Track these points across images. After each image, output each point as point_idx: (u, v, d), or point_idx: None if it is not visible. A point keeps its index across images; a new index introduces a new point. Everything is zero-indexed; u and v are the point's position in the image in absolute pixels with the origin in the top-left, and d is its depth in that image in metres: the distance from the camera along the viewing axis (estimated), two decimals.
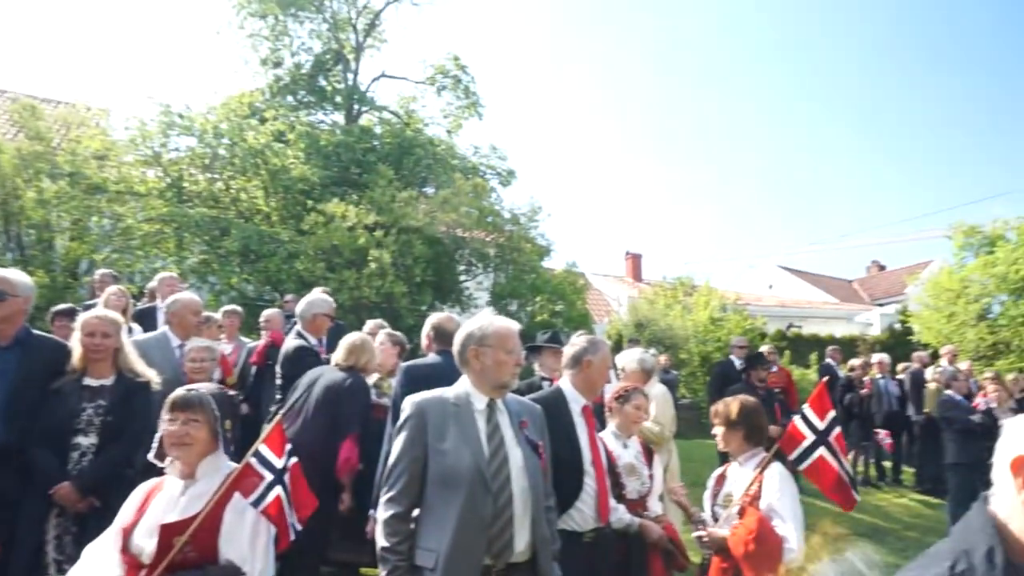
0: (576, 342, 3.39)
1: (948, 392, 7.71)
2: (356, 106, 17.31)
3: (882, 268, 33.97)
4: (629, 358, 5.00)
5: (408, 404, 2.57)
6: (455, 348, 2.65)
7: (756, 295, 26.00)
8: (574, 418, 3.27)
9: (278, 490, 2.39)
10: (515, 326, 2.66)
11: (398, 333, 5.31)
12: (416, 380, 3.55)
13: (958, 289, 17.18)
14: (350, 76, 17.38)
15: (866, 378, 9.84)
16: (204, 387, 2.53)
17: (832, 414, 3.29)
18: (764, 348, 8.95)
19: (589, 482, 3.18)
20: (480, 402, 2.57)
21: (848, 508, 3.33)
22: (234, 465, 2.39)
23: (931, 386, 9.11)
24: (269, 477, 2.38)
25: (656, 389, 4.90)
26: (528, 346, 5.30)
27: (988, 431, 7.52)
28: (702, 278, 18.28)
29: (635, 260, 26.98)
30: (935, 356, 13.34)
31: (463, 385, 2.62)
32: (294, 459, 2.57)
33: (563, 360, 3.42)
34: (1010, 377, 9.69)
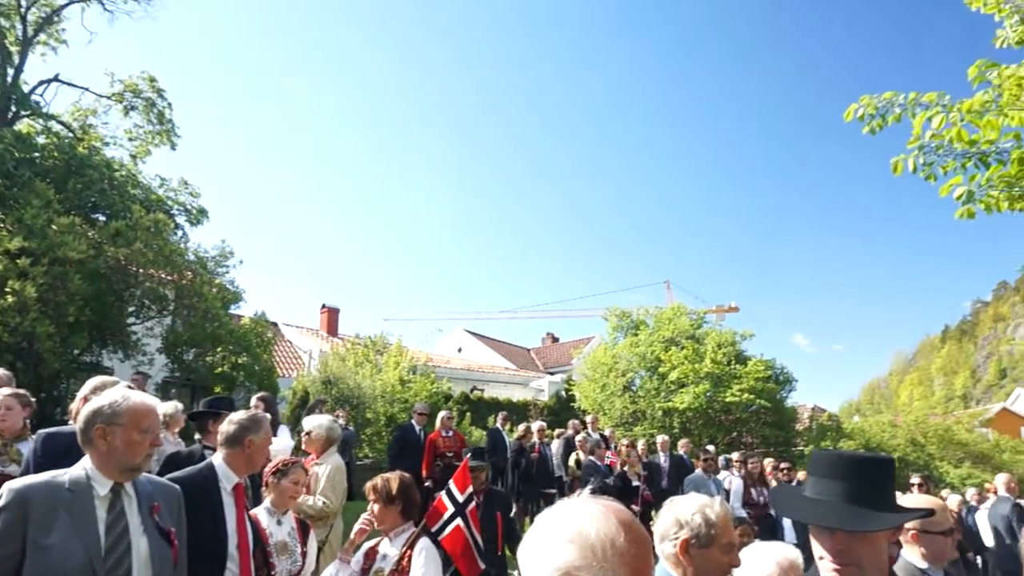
0: (235, 419, 3.20)
1: (590, 457, 8.86)
2: (14, 108, 14.70)
3: (556, 340, 38.23)
4: (316, 424, 4.89)
5: (6, 491, 2.17)
6: (79, 425, 2.34)
7: (446, 357, 27.33)
8: (224, 498, 3.06)
9: None
10: (153, 402, 2.44)
11: (23, 391, 4.47)
12: (57, 451, 3.05)
13: (610, 364, 20.07)
14: (10, 72, 14.77)
15: (536, 442, 10.77)
16: None
17: (471, 489, 3.57)
18: (442, 413, 9.37)
19: (232, 567, 2.98)
20: (103, 487, 2.28)
21: (472, 575, 3.60)
22: None
23: (577, 451, 10.33)
24: None
25: (332, 459, 4.82)
26: (190, 413, 4.90)
27: (620, 491, 8.80)
28: (399, 336, 18.70)
29: (331, 314, 26.58)
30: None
31: (84, 467, 2.31)
32: None
33: (220, 438, 3.20)
34: (640, 444, 11.47)
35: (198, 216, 16.18)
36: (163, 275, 12.92)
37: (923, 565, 2.60)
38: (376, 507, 3.38)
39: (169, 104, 16.63)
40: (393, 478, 3.44)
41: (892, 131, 4.58)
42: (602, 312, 23.24)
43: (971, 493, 11.49)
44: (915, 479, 8.54)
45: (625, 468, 9.28)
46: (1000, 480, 8.23)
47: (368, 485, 3.43)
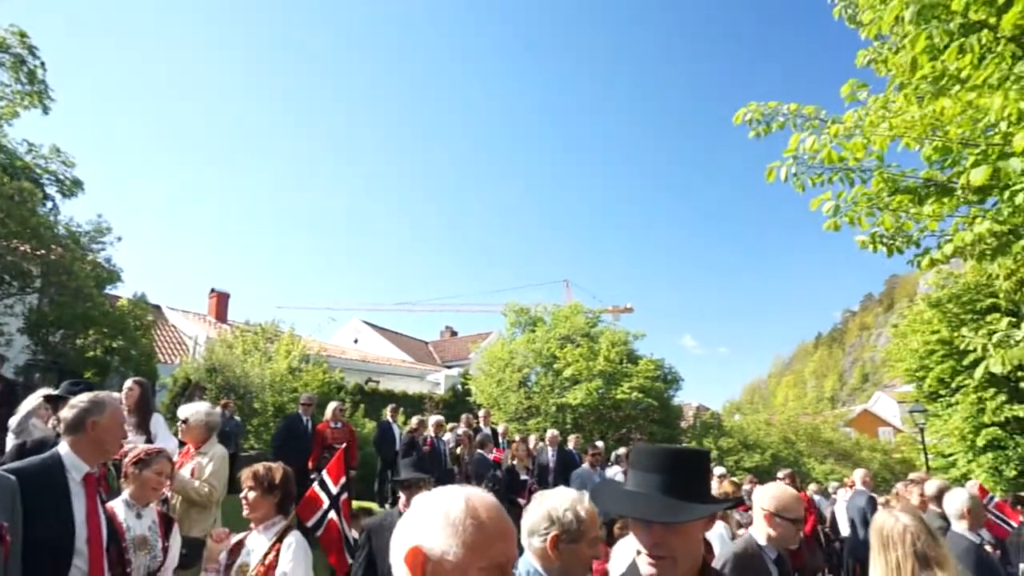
0: (75, 403, 2.94)
1: (480, 451, 8.88)
2: None
3: (454, 334, 38.15)
4: (194, 411, 4.63)
5: None
6: None
7: (341, 348, 26.68)
8: (72, 488, 2.82)
9: None
10: None
11: None
12: None
13: (507, 359, 20.23)
14: None
15: (430, 435, 10.62)
16: None
17: (344, 480, 3.46)
18: (332, 404, 9.12)
19: (80, 563, 2.74)
20: None
21: (342, 571, 3.49)
22: None
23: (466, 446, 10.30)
24: None
25: (216, 449, 4.59)
26: (46, 396, 4.52)
27: (509, 484, 8.88)
28: (292, 325, 17.95)
29: (221, 298, 25.30)
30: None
31: None
32: None
33: (61, 426, 2.93)
34: (532, 439, 11.58)
35: (72, 188, 14.96)
36: (27, 249, 11.86)
37: (764, 543, 2.79)
38: (252, 495, 3.18)
39: (42, 63, 15.22)
40: (276, 468, 3.27)
41: (775, 147, 4.83)
42: (501, 308, 23.40)
43: (833, 487, 12.43)
44: (781, 474, 9.09)
45: (514, 462, 9.37)
46: (857, 475, 8.88)
47: (247, 471, 3.22)
